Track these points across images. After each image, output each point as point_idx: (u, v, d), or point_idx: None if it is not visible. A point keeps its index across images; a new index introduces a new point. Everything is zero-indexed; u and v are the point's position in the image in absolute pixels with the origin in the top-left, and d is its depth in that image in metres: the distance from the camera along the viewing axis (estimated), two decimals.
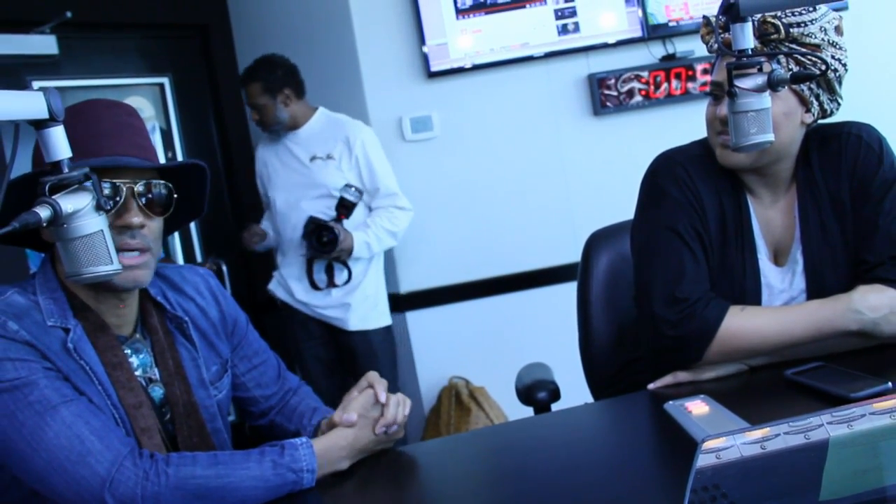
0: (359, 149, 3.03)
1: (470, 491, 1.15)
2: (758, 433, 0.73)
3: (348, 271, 3.05)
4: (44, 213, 0.92)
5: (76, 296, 1.21)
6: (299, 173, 3.07)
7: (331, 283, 3.05)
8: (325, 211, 3.01)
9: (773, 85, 1.19)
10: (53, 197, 0.94)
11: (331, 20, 3.40)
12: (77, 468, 1.07)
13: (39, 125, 0.96)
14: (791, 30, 1.34)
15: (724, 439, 0.72)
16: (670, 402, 1.24)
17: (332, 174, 3.02)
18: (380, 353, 3.14)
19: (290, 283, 3.12)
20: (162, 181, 1.23)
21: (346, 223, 2.99)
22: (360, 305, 3.09)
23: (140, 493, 1.07)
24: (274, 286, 3.20)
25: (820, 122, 1.46)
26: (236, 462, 1.13)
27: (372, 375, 1.31)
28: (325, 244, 2.93)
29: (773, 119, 1.33)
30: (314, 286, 3.06)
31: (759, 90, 1.20)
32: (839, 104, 1.44)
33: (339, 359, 3.25)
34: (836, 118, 1.47)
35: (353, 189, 2.99)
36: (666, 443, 1.21)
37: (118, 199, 1.16)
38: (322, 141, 3.07)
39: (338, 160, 3.03)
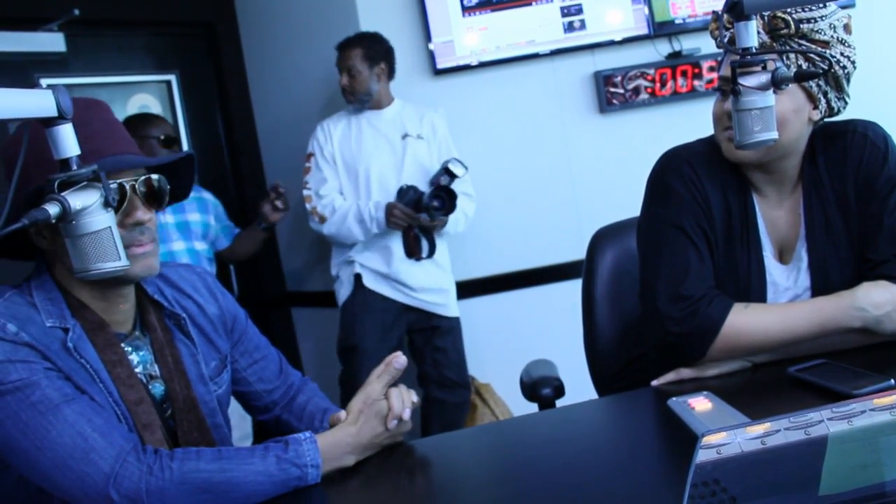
0: (442, 133, 3.11)
1: (475, 486, 1.16)
2: (758, 428, 0.74)
3: (431, 246, 3.04)
4: (53, 209, 0.93)
5: (73, 295, 1.21)
6: (393, 150, 3.06)
7: (417, 254, 3.02)
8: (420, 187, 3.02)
9: (776, 83, 1.20)
10: (62, 194, 0.95)
11: (337, 17, 3.40)
12: (81, 465, 1.08)
13: (48, 123, 0.97)
14: (801, 25, 1.34)
15: (725, 434, 0.73)
16: (673, 399, 1.24)
17: (424, 152, 3.06)
18: (459, 331, 3.19)
19: (393, 258, 3.02)
20: (156, 175, 1.24)
21: None
22: (453, 291, 3.14)
23: (144, 487, 1.08)
24: (360, 269, 3.05)
25: (826, 120, 1.46)
26: (241, 457, 1.14)
27: (394, 357, 1.30)
28: (437, 209, 2.93)
29: (781, 115, 1.34)
30: (410, 253, 3.00)
31: (763, 88, 1.20)
32: (846, 102, 1.44)
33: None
34: (843, 116, 1.48)
35: (458, 164, 2.99)
36: (669, 439, 1.21)
37: (123, 198, 1.17)
38: (410, 122, 3.10)
39: (427, 140, 3.07)
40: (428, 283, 3.07)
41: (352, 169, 3.07)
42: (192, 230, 2.95)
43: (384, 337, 3.03)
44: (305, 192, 3.10)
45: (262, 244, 3.17)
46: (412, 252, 3.01)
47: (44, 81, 3.19)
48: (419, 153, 3.06)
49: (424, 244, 3.04)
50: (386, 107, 3.13)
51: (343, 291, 3.12)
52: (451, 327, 3.14)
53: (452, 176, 2.98)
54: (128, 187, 1.19)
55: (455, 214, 3.02)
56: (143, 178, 1.21)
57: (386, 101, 3.13)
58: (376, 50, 3.06)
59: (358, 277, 3.06)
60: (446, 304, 3.11)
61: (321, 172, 3.09)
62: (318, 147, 3.11)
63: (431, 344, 3.13)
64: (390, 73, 3.12)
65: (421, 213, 2.95)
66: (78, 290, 1.22)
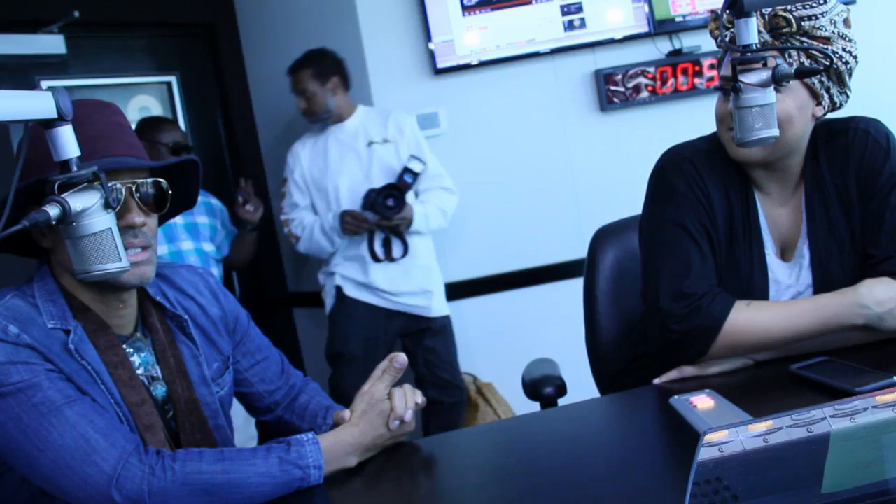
0: (409, 132, 3.10)
1: (478, 485, 1.16)
2: (760, 426, 0.73)
3: (405, 245, 3.05)
4: (53, 211, 0.93)
5: (75, 297, 1.21)
6: (360, 159, 3.08)
7: (388, 257, 3.04)
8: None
9: (777, 80, 1.20)
10: (62, 195, 0.95)
11: (337, 18, 3.40)
12: (83, 467, 1.08)
13: (48, 125, 0.97)
14: (802, 23, 1.34)
15: (727, 432, 0.72)
16: (675, 397, 1.24)
17: (392, 156, 3.07)
18: (450, 330, 3.19)
19: (370, 267, 3.06)
20: (157, 179, 1.24)
21: None
22: (438, 291, 3.14)
23: (147, 488, 1.08)
24: (340, 281, 3.12)
25: (827, 116, 1.46)
26: (243, 458, 1.13)
27: (394, 356, 1.30)
28: (390, 208, 2.94)
29: (786, 113, 1.34)
30: (374, 257, 3.03)
31: (764, 85, 1.20)
32: (848, 97, 1.44)
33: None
34: (844, 112, 1.47)
35: (416, 161, 3.01)
36: (671, 437, 1.21)
37: (118, 199, 1.17)
38: (374, 128, 3.11)
39: (394, 143, 3.08)
40: (408, 286, 3.08)
41: (322, 187, 3.13)
42: (200, 231, 2.98)
43: (369, 344, 3.08)
44: (282, 217, 3.22)
45: (255, 246, 3.19)
46: (374, 256, 3.03)
47: (44, 83, 3.19)
48: (386, 158, 3.07)
49: (398, 245, 3.06)
50: (348, 118, 3.14)
51: (328, 301, 3.19)
52: (441, 328, 3.15)
53: (413, 173, 3.00)
54: (123, 189, 1.18)
55: (426, 210, 3.04)
56: (141, 181, 1.21)
57: (348, 112, 3.14)
58: (324, 66, 3.08)
59: (339, 288, 3.12)
60: (429, 305, 3.11)
61: (292, 197, 3.20)
62: (289, 171, 3.20)
63: (422, 345, 3.15)
64: (345, 84, 3.13)
65: (367, 212, 2.97)
66: (79, 291, 1.22)
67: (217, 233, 3.06)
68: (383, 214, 2.95)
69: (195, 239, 2.94)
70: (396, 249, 3.05)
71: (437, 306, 3.13)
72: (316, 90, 3.07)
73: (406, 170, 3.00)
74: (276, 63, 3.68)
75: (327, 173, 3.11)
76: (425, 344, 3.13)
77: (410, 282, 3.08)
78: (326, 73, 3.07)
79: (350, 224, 2.99)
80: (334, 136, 3.13)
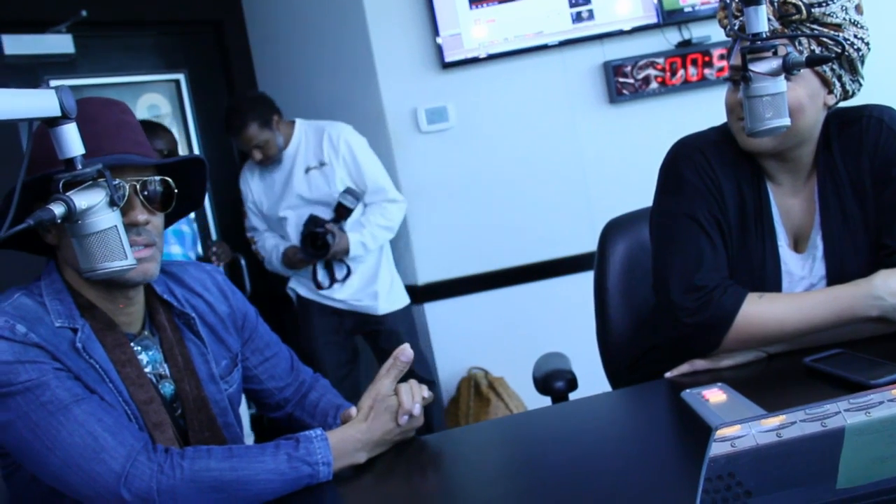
0: (344, 149, 3.11)
1: (489, 480, 1.15)
2: (773, 420, 0.72)
3: (347, 268, 3.14)
4: (58, 209, 0.93)
5: (82, 296, 1.22)
6: (300, 188, 3.14)
7: (332, 281, 3.15)
8: (329, 216, 3.11)
9: (788, 68, 1.18)
10: (67, 193, 0.95)
11: (344, 13, 3.40)
12: (92, 465, 1.08)
13: (52, 123, 0.97)
14: (812, 10, 1.32)
15: (739, 427, 0.71)
16: (687, 391, 1.23)
17: (330, 180, 3.10)
18: (407, 329, 3.25)
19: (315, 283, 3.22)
20: (162, 177, 1.24)
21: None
22: (385, 291, 3.20)
23: (156, 486, 1.08)
24: (295, 284, 3.28)
25: (840, 105, 1.44)
26: (252, 455, 1.13)
27: (400, 350, 1.30)
28: (319, 248, 3.03)
29: (797, 101, 1.32)
30: (318, 286, 3.15)
31: (774, 74, 1.19)
32: (860, 85, 1.42)
33: (351, 356, 3.33)
34: (857, 101, 1.45)
35: (350, 196, 3.06)
36: (683, 431, 1.20)
37: (122, 197, 1.17)
38: (310, 151, 3.15)
39: (330, 164, 3.11)
40: (356, 295, 3.17)
41: (271, 218, 3.24)
42: (185, 239, 3.07)
43: (329, 339, 3.22)
44: (248, 235, 3.35)
45: None
46: (318, 286, 3.15)
47: (53, 83, 3.21)
48: (323, 184, 3.11)
49: (340, 268, 3.15)
50: (289, 142, 3.17)
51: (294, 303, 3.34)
52: (392, 328, 3.19)
53: (348, 210, 3.05)
54: (127, 187, 1.18)
55: (363, 237, 3.08)
56: (146, 178, 1.21)
57: (288, 138, 3.17)
58: (263, 111, 3.08)
59: (294, 290, 3.29)
60: (374, 304, 3.17)
61: (251, 222, 3.33)
62: (244, 197, 3.31)
63: (379, 348, 3.23)
64: (280, 114, 3.16)
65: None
66: (85, 289, 1.22)
67: (195, 243, 3.19)
68: (313, 254, 3.04)
69: (182, 244, 3.02)
70: (339, 272, 3.15)
71: (384, 305, 3.18)
72: (268, 138, 3.09)
73: (340, 204, 3.06)
74: (283, 59, 3.69)
75: (273, 205, 3.20)
76: (381, 347, 3.20)
77: (349, 289, 3.16)
78: (268, 117, 3.08)
79: (290, 262, 3.14)
80: (276, 167, 3.17)
